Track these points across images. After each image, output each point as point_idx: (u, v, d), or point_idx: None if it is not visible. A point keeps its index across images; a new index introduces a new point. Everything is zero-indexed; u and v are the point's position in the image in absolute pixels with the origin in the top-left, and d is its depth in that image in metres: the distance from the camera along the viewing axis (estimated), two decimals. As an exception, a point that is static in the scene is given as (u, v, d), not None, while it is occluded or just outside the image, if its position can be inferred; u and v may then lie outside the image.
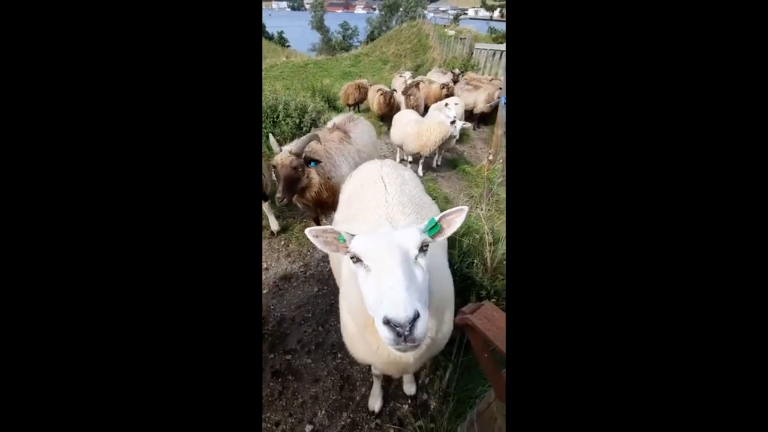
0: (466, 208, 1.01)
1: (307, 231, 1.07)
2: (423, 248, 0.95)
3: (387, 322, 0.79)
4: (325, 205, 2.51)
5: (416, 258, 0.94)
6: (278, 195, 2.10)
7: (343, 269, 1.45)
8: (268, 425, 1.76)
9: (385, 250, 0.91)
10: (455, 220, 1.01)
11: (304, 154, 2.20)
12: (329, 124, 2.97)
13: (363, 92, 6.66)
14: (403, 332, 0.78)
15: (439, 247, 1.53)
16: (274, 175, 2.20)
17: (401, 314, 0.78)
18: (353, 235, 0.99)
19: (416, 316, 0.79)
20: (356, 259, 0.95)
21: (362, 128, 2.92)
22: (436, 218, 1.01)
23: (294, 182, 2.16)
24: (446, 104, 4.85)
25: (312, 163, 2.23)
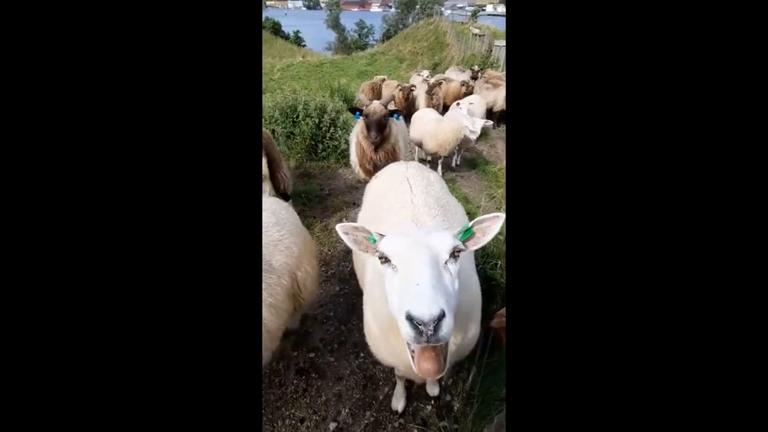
0: (502, 215, 0.97)
1: (338, 227, 1.06)
2: (454, 254, 0.93)
3: (410, 318, 0.76)
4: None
5: (446, 263, 0.91)
6: (373, 133, 2.63)
7: (367, 271, 1.45)
8: (293, 422, 1.79)
9: (415, 249, 0.89)
10: (491, 227, 0.98)
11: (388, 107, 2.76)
12: None
13: (377, 90, 6.65)
14: (426, 331, 0.74)
15: (466, 251, 1.51)
16: (364, 123, 2.70)
17: (425, 311, 0.75)
18: (383, 236, 0.98)
19: (441, 316, 0.75)
20: (384, 259, 0.93)
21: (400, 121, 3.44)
22: (470, 224, 0.99)
23: (383, 127, 2.69)
24: (458, 103, 4.79)
25: (395, 114, 2.73)
